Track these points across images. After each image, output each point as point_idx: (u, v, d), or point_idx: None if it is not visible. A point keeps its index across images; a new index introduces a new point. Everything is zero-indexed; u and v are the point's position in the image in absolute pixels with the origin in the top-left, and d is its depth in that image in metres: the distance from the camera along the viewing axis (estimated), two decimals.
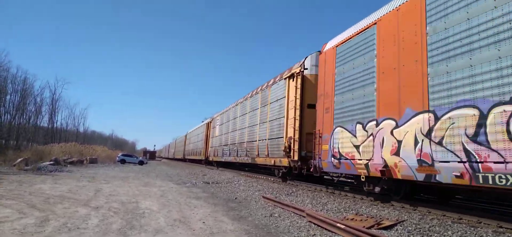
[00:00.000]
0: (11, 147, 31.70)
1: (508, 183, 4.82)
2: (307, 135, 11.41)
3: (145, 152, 75.85)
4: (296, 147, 11.72)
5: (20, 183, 11.29)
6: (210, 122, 29.35)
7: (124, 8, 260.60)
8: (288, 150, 12.13)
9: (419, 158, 6.39)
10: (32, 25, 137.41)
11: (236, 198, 9.49)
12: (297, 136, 11.78)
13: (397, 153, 7.00)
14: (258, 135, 15.97)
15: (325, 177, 12.13)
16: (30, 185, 10.94)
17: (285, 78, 13.52)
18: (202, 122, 38.58)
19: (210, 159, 27.76)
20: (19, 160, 19.83)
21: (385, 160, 7.29)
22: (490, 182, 5.06)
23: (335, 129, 9.22)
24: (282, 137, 12.92)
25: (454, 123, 5.74)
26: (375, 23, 8.29)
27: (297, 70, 12.43)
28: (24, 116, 45.85)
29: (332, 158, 9.16)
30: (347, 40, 9.34)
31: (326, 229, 5.59)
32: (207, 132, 29.94)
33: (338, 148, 8.97)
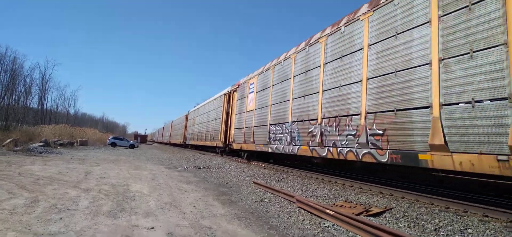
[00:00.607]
0: (0, 127, 31.16)
1: None
2: None
3: (136, 135, 75.82)
4: None
5: (9, 164, 11.15)
6: (233, 92, 19.84)
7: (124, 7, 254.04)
8: None
9: None
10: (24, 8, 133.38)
11: (227, 183, 9.53)
12: None
13: None
14: (441, 93, 5.97)
15: None
16: (19, 165, 10.81)
17: None
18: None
19: (235, 146, 18.14)
20: (8, 140, 19.54)
21: None
22: None
23: None
24: None
25: None
26: None
27: None
28: (14, 97, 45.05)
29: None
30: None
31: (315, 215, 5.66)
32: (229, 107, 20.57)
33: None
